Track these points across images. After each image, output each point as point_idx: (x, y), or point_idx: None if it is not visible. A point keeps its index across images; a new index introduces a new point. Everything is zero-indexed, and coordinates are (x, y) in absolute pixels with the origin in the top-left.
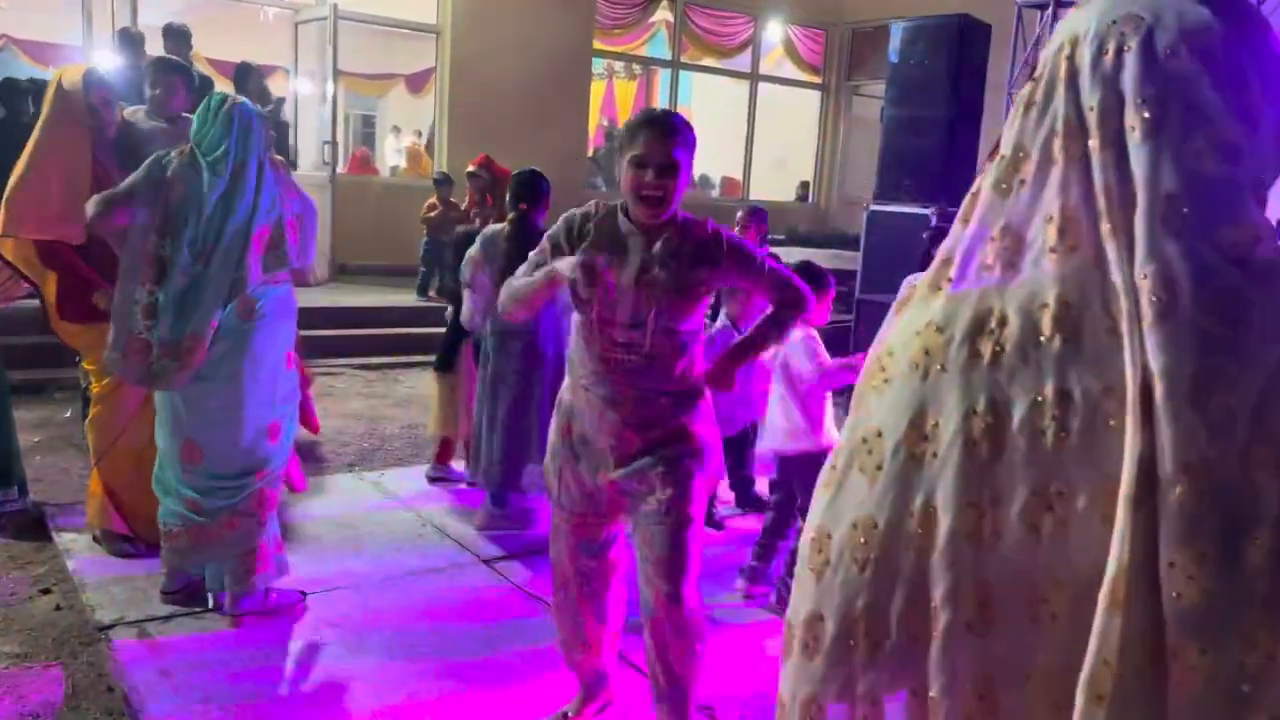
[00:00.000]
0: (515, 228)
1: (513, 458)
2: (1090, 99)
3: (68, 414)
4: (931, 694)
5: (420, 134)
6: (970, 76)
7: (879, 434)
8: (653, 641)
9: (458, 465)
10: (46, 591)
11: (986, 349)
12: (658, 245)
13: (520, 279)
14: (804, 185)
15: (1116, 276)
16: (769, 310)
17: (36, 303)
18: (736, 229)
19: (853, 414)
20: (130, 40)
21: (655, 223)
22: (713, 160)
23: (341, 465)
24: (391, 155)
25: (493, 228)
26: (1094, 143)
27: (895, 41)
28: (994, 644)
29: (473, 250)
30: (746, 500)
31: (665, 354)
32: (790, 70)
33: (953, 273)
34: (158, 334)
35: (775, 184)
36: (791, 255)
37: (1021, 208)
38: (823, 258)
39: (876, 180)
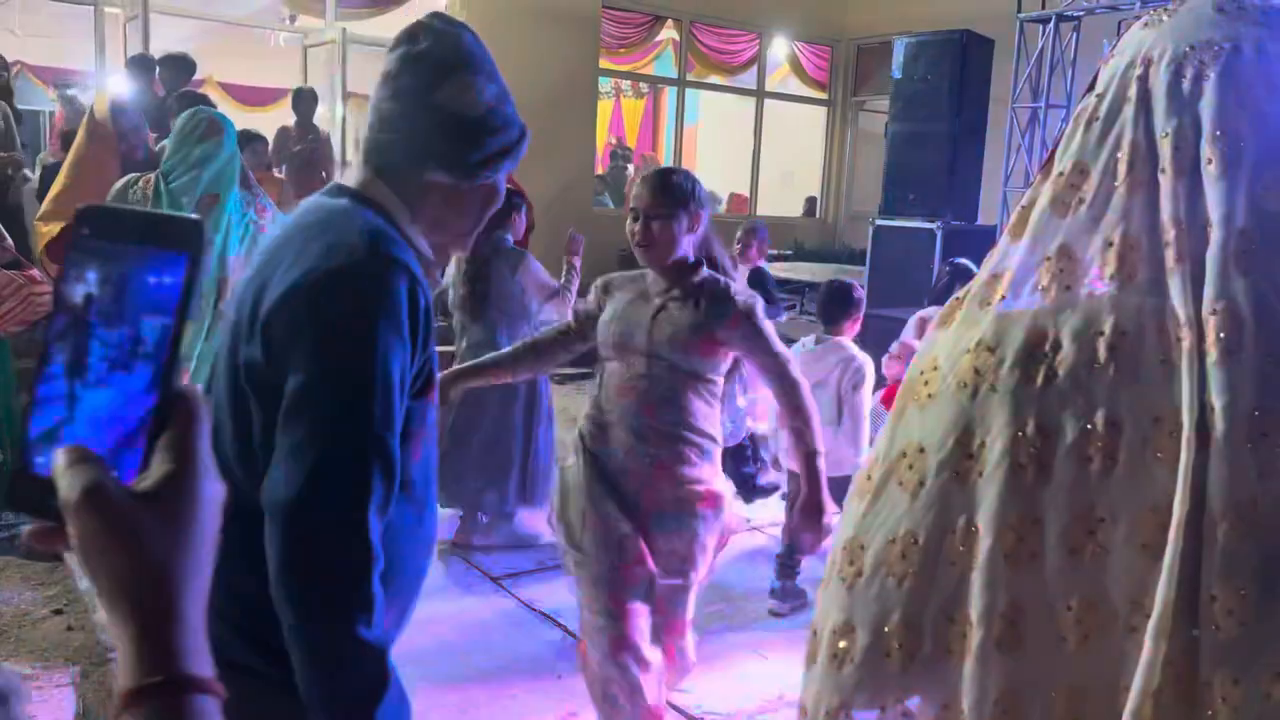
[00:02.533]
0: (475, 252)
1: (486, 474)
2: (1165, 125)
3: None
4: (963, 709)
5: None
6: (973, 91)
7: (921, 449)
8: None
9: None
10: (58, 612)
11: (1038, 373)
12: (675, 290)
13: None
14: (810, 200)
15: (1180, 309)
16: (782, 413)
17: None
18: (736, 246)
19: (891, 425)
20: (141, 65)
21: (664, 268)
22: (720, 176)
23: None
24: None
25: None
26: (1166, 171)
27: (899, 57)
28: (1023, 662)
29: (450, 272)
30: (752, 492)
31: (682, 392)
32: (796, 86)
33: (1004, 290)
34: None
35: (782, 199)
36: (799, 271)
37: (1079, 229)
38: (829, 272)
39: (882, 195)
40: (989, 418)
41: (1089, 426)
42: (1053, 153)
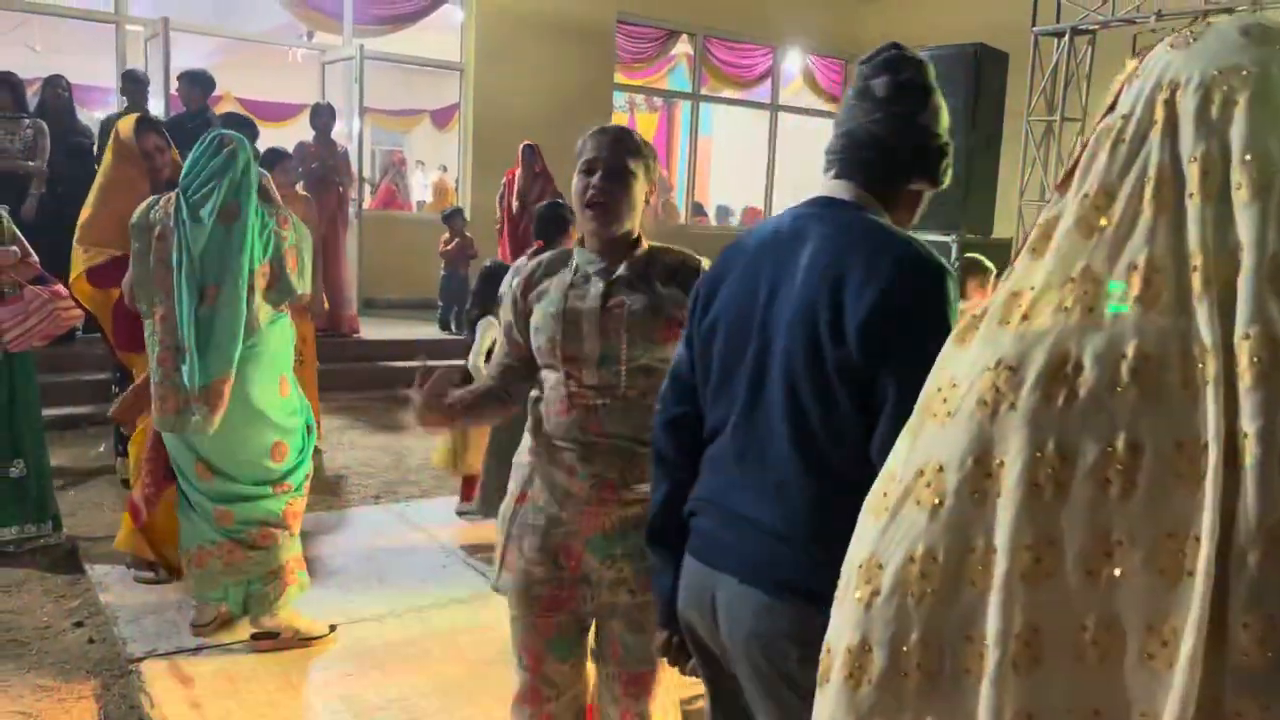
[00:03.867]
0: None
1: None
2: (1193, 149)
3: (100, 449)
4: None
5: (445, 169)
6: (987, 105)
7: (940, 468)
8: None
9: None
10: (79, 624)
11: (1059, 394)
12: (621, 268)
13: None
14: None
15: (1206, 334)
16: None
17: (70, 343)
18: None
19: (907, 442)
20: (134, 80)
21: (611, 240)
22: (734, 190)
23: (366, 497)
24: (417, 190)
25: (522, 261)
26: (1193, 196)
27: None
28: (1039, 684)
29: (504, 287)
30: None
31: (644, 396)
32: (810, 100)
33: (1025, 310)
34: (184, 381)
35: None
36: None
37: (1104, 251)
38: None
39: None
40: (1008, 437)
41: (1109, 449)
42: (1071, 169)
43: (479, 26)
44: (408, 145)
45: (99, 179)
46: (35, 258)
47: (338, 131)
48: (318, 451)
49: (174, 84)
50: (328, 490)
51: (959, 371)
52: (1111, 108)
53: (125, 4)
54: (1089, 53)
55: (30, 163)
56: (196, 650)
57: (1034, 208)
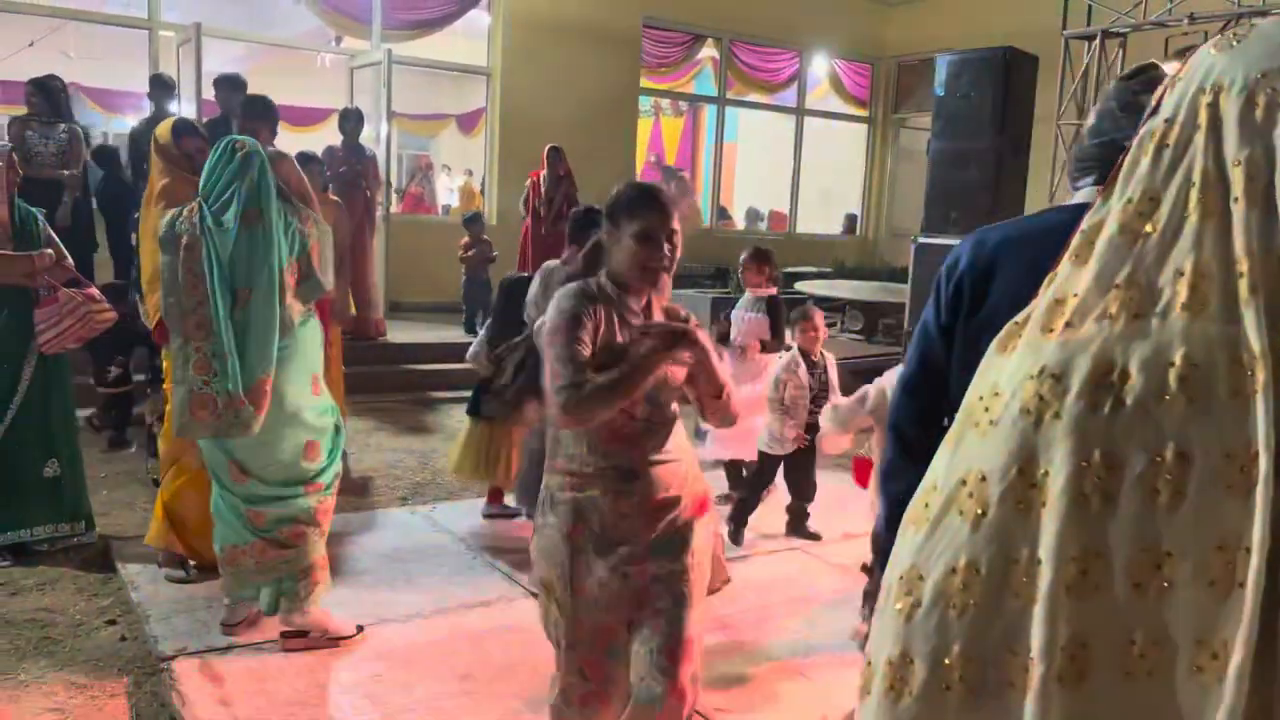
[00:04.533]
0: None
1: None
2: (1238, 153)
3: (133, 449)
4: None
5: (471, 173)
6: (1017, 108)
7: (982, 478)
8: None
9: (510, 500)
10: (112, 622)
11: (1105, 402)
12: (655, 313)
13: (602, 380)
14: (850, 218)
15: (1255, 341)
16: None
17: None
18: (740, 270)
19: (948, 452)
20: (161, 85)
21: (648, 289)
22: (760, 194)
23: (394, 498)
24: (443, 194)
25: (552, 263)
26: (1239, 201)
27: (940, 74)
28: (1085, 698)
29: (534, 287)
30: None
31: (672, 420)
32: (836, 104)
33: (1069, 317)
34: (224, 386)
35: (822, 217)
36: (839, 288)
37: (1150, 257)
38: (870, 290)
39: (924, 213)
40: (1053, 446)
41: (1157, 459)
42: (1114, 175)
43: (505, 31)
44: (434, 149)
45: (149, 191)
46: (70, 260)
47: (365, 136)
48: (345, 453)
49: (207, 89)
50: (355, 492)
51: (1001, 379)
52: (1154, 111)
53: (158, 10)
54: (1120, 56)
55: (65, 171)
56: (227, 649)
57: None
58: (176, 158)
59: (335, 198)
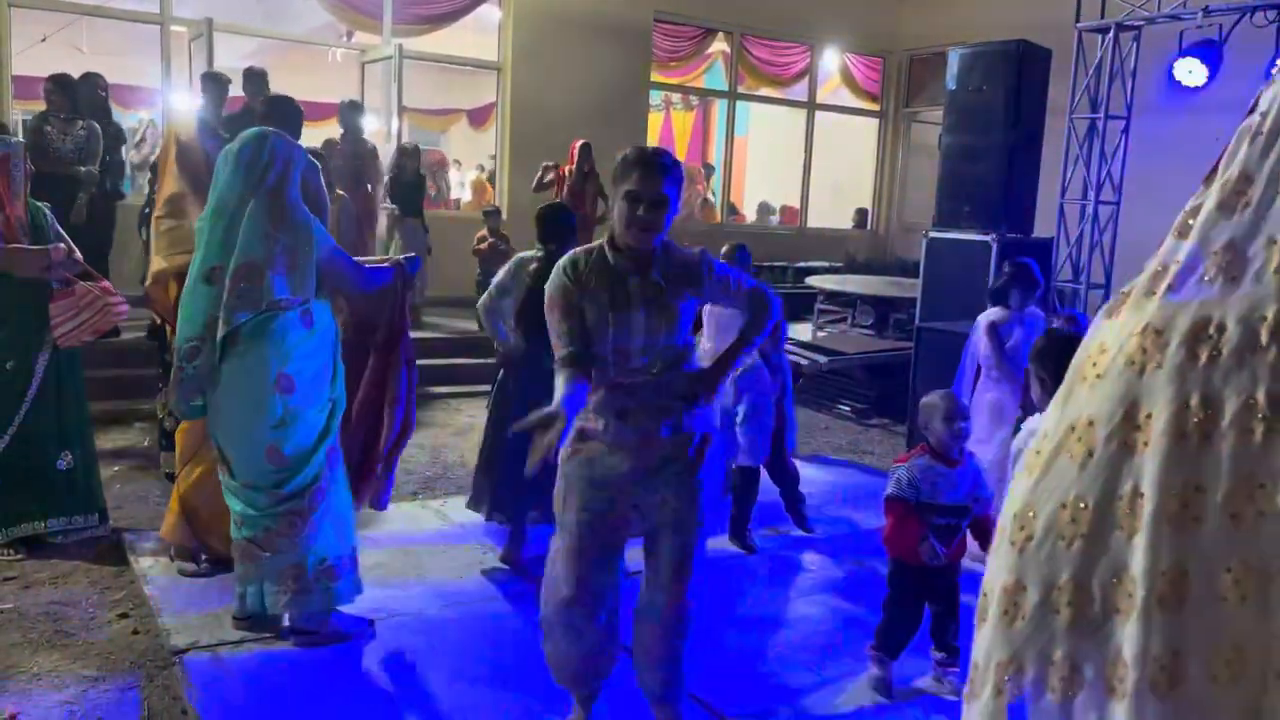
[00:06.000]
0: (543, 267)
1: (537, 492)
2: None
3: (146, 443)
4: (1124, 660)
5: (482, 168)
6: (1029, 102)
7: (1090, 423)
8: (656, 637)
9: None
10: (124, 616)
11: (1203, 352)
12: (652, 272)
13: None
14: (862, 212)
15: None
16: (747, 319)
17: (117, 337)
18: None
19: (1059, 405)
20: (216, 80)
21: (644, 249)
22: (771, 189)
23: (405, 493)
24: (454, 188)
25: (525, 255)
26: None
27: (953, 68)
28: (1183, 621)
29: (502, 274)
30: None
31: (671, 368)
32: (848, 98)
33: (1170, 281)
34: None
35: (833, 211)
36: (849, 283)
37: (1245, 227)
38: (881, 285)
39: (935, 207)
40: (1155, 392)
41: (1251, 402)
42: (1216, 164)
43: (516, 26)
44: (444, 144)
45: (161, 187)
46: (79, 254)
47: (376, 131)
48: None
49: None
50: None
51: (1108, 339)
52: (1252, 109)
53: (170, 5)
54: (1134, 49)
55: (81, 167)
56: (239, 643)
57: (1076, 207)
58: (198, 156)
59: (341, 192)
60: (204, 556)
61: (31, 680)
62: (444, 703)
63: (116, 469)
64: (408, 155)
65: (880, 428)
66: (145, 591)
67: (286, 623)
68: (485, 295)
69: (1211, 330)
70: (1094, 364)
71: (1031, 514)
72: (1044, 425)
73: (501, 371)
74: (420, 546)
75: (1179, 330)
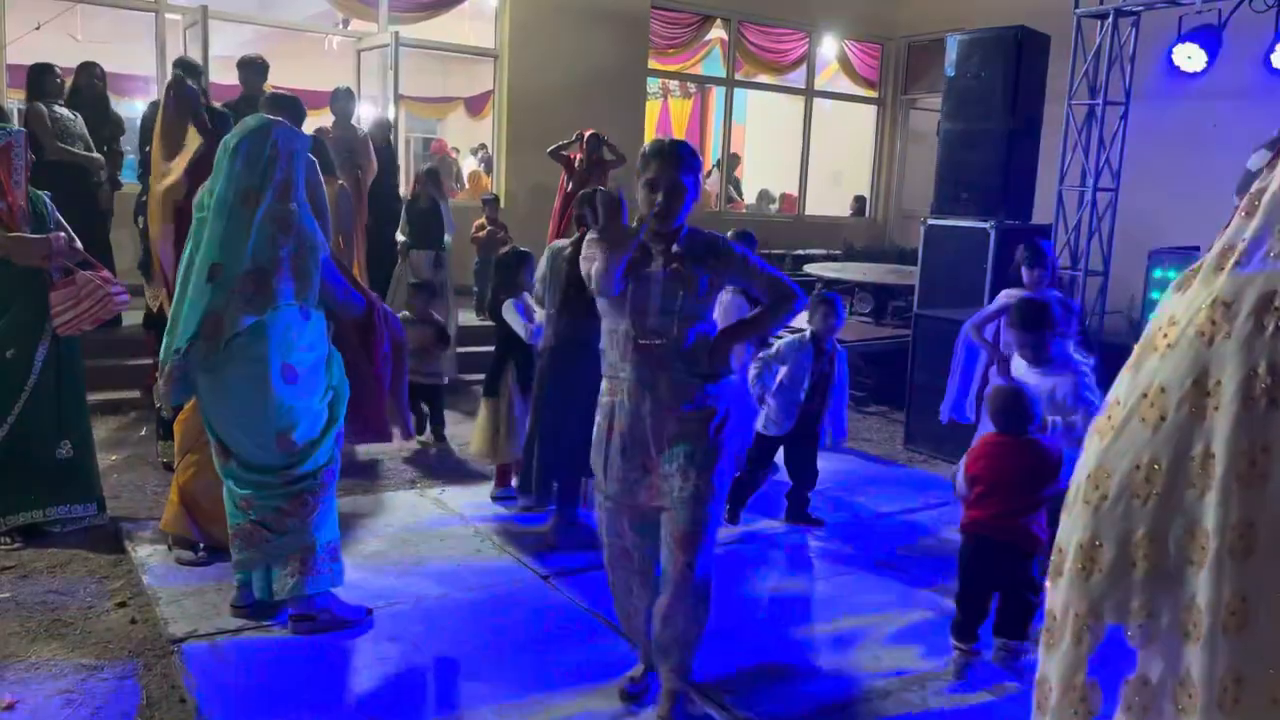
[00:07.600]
0: (577, 252)
1: (580, 469)
2: None
3: (143, 432)
4: (1198, 606)
5: (484, 146)
6: (1028, 88)
7: (1161, 390)
8: (667, 606)
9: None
10: (122, 604)
11: (1270, 322)
12: (675, 246)
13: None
14: (860, 200)
15: None
16: (765, 303)
17: (115, 329)
18: None
19: (1129, 374)
20: (252, 66)
21: (667, 230)
22: (769, 176)
23: (403, 481)
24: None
25: (559, 243)
26: None
27: (951, 54)
28: (1252, 571)
29: (542, 266)
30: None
31: (691, 340)
32: (846, 85)
33: (1238, 256)
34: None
35: (832, 199)
36: (848, 270)
37: None
38: (879, 272)
39: (934, 194)
40: (1225, 360)
41: None
42: (1278, 149)
43: (513, 13)
44: (441, 132)
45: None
46: (79, 243)
47: (369, 117)
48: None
49: (213, 72)
50: (364, 475)
51: (1178, 311)
52: None
53: None
54: (1133, 35)
55: (92, 153)
56: (237, 631)
57: (1075, 193)
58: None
59: (341, 181)
60: (202, 545)
61: (30, 669)
62: (442, 690)
63: (114, 459)
64: (421, 182)
65: (879, 415)
66: (143, 580)
67: (286, 610)
68: (499, 303)
69: (1278, 302)
70: (1164, 335)
71: (1106, 475)
72: (1114, 392)
73: (544, 359)
74: (418, 535)
75: (1247, 302)
